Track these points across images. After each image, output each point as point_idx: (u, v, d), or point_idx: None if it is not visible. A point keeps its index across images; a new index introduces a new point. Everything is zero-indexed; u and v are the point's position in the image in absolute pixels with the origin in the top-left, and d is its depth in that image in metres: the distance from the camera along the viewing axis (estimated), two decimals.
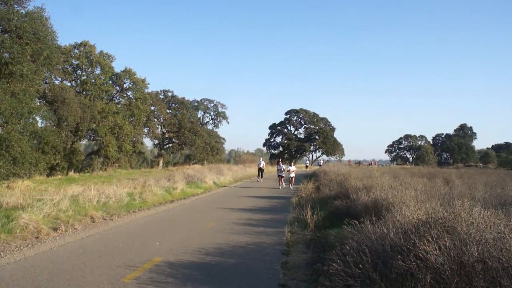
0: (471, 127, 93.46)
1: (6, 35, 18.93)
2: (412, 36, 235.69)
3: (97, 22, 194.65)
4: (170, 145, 55.65)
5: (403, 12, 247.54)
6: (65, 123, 28.33)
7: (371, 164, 59.65)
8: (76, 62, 35.87)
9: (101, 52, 37.07)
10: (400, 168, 40.01)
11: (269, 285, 5.31)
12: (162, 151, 54.48)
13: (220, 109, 68.46)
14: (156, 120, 50.57)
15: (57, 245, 7.28)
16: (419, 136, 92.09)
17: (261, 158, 29.90)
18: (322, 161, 60.37)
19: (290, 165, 23.31)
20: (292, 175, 22.42)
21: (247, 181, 27.40)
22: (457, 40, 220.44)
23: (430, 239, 4.08)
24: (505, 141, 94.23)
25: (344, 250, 4.91)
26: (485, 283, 3.55)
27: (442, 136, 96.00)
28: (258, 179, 27.02)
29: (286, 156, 72.57)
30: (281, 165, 23.87)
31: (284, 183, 22.57)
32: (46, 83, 28.79)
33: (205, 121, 68.25)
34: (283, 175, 22.82)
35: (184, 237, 8.30)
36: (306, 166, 51.53)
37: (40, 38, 19.73)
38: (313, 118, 76.71)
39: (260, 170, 27.29)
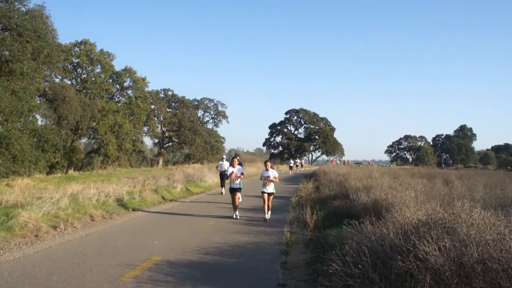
0: (471, 128, 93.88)
1: (7, 33, 18.93)
2: (412, 38, 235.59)
3: (97, 22, 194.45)
4: (170, 144, 55.70)
5: (403, 14, 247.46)
6: (65, 121, 28.39)
7: (349, 163, 59.66)
8: (76, 60, 35.91)
9: (101, 50, 37.08)
10: (400, 168, 39.93)
11: (268, 285, 5.30)
12: (162, 150, 54.48)
13: (220, 108, 68.68)
14: (156, 119, 50.61)
15: (56, 243, 7.28)
16: (419, 137, 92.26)
17: (224, 158, 18.42)
18: (292, 163, 43.39)
19: (266, 169, 10.82)
20: (270, 189, 10.73)
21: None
22: (457, 43, 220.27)
23: (430, 240, 4.06)
24: (505, 142, 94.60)
25: (344, 250, 4.90)
26: (485, 284, 3.54)
27: (442, 137, 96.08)
28: (222, 191, 17.36)
29: (285, 155, 72.67)
30: (236, 165, 11.13)
31: (236, 209, 11.02)
32: (46, 81, 28.82)
33: (205, 120, 68.32)
34: (239, 186, 10.98)
35: (183, 236, 8.30)
36: (290, 168, 40.63)
37: (41, 36, 19.74)
38: (313, 118, 76.86)
39: (223, 176, 16.28)
